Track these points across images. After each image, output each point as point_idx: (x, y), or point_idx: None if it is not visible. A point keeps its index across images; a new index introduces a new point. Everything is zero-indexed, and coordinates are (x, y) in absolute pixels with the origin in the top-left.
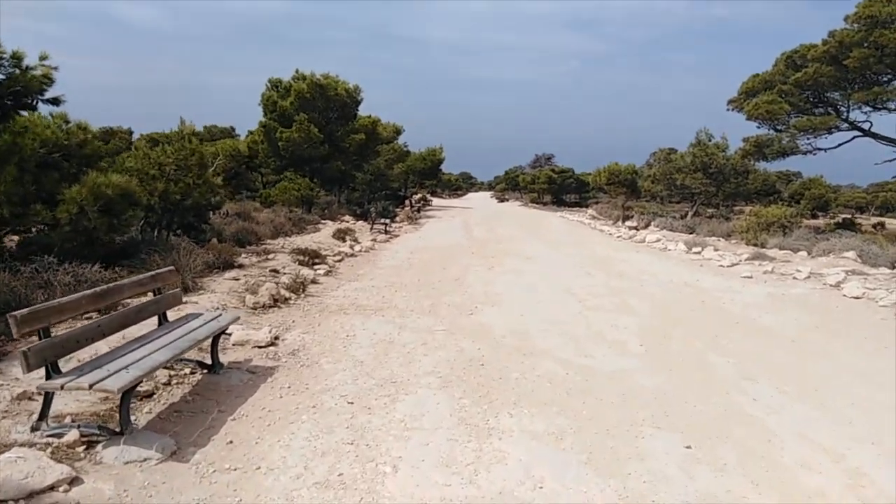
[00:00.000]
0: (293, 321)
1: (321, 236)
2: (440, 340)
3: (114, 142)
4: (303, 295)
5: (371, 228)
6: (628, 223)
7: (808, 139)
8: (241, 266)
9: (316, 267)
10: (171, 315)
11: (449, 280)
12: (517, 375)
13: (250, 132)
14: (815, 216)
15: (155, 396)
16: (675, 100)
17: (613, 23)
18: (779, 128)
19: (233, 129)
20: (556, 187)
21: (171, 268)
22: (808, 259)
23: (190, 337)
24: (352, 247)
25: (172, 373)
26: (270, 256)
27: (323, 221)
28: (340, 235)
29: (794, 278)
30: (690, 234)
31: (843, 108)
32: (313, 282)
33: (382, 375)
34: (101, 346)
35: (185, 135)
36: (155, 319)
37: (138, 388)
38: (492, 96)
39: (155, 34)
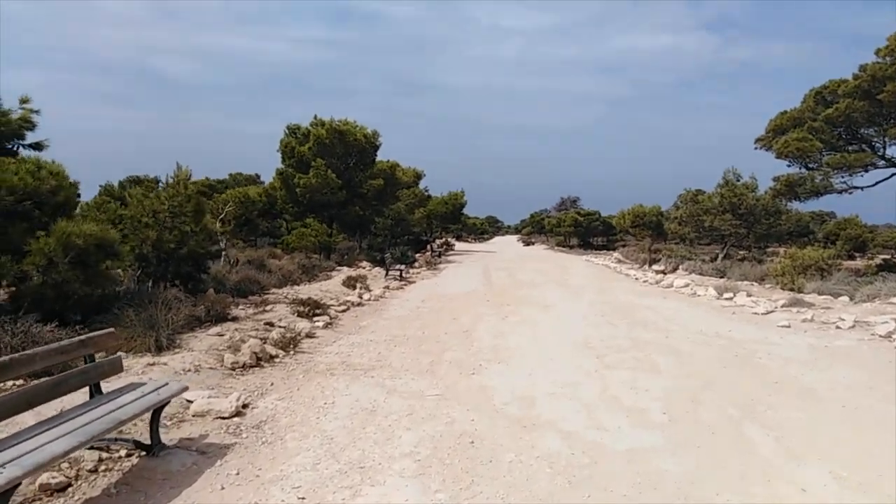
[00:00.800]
0: (272, 384)
1: (331, 284)
2: (430, 409)
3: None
4: (292, 352)
5: (386, 275)
6: (655, 267)
7: (842, 177)
8: (234, 318)
9: (316, 319)
10: (120, 383)
11: (456, 332)
12: (512, 457)
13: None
14: (851, 257)
15: (70, 490)
16: (701, 143)
17: (639, 67)
18: (811, 166)
19: (257, 175)
20: (582, 230)
21: (110, 330)
22: (850, 305)
23: (111, 417)
24: (360, 295)
25: (105, 455)
26: (269, 308)
27: (339, 268)
28: (351, 283)
29: (838, 327)
30: (721, 278)
31: (878, 145)
32: (309, 335)
33: (351, 458)
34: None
35: (180, 181)
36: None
37: (49, 481)
38: (518, 141)
39: (191, 86)
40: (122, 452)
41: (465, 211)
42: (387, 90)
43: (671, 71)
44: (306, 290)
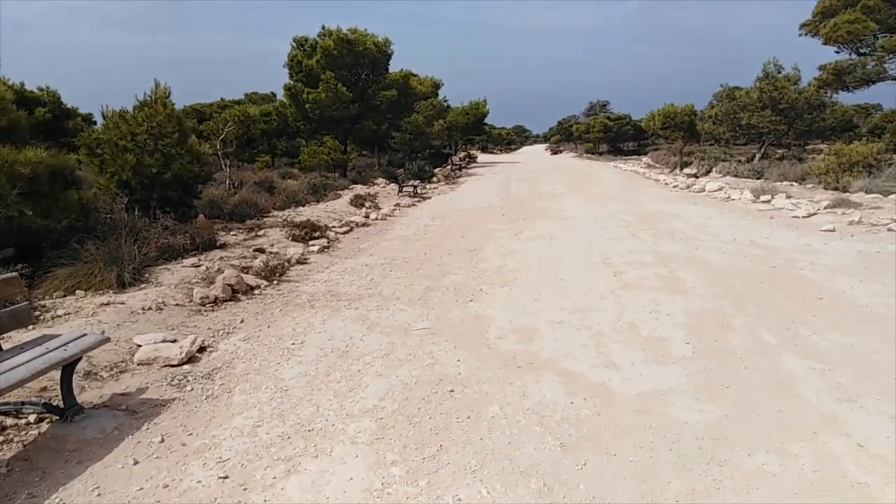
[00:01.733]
0: (241, 321)
1: (338, 204)
2: (411, 348)
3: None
4: (276, 281)
5: (399, 192)
6: (686, 171)
7: None
8: (223, 246)
9: (312, 242)
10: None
11: (462, 252)
12: (496, 411)
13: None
14: None
15: None
16: (743, 37)
17: None
18: (862, 51)
19: (273, 94)
20: (612, 135)
21: (13, 274)
22: None
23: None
24: (367, 215)
25: (11, 422)
26: (262, 233)
27: (352, 186)
28: (359, 202)
29: (890, 230)
30: (758, 179)
31: None
32: (300, 262)
33: (300, 417)
34: None
35: (157, 99)
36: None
37: None
38: (547, 46)
39: (210, 5)
40: (32, 418)
41: (489, 121)
42: None
43: None
44: (310, 212)
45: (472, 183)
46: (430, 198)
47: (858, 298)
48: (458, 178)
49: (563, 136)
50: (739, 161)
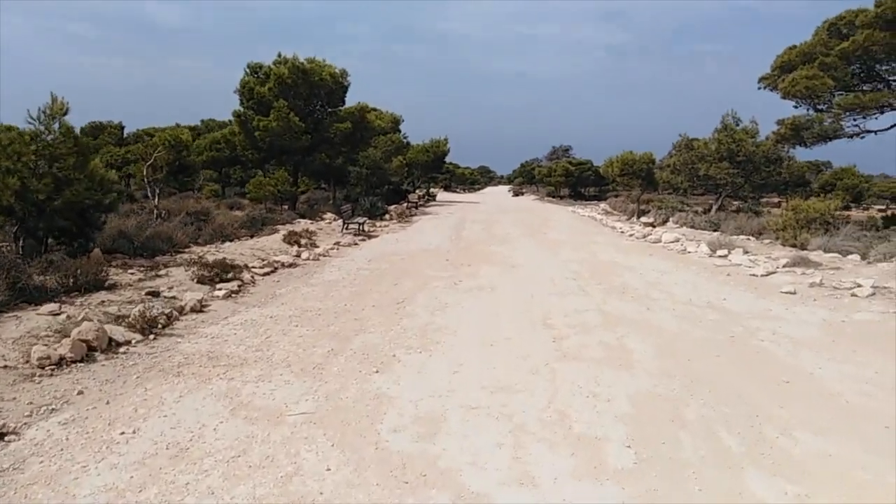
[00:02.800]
0: (80, 392)
1: (270, 240)
2: (275, 445)
3: (102, 137)
4: (153, 335)
5: (343, 229)
6: (644, 219)
7: (854, 120)
8: (112, 287)
9: (220, 285)
10: None
11: (388, 303)
12: None
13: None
14: (847, 208)
15: None
16: (703, 92)
17: (640, 11)
18: (820, 107)
19: (230, 121)
20: (573, 180)
21: None
22: (863, 265)
23: None
24: (299, 254)
25: None
26: (164, 272)
27: (297, 221)
28: (294, 239)
29: (854, 295)
30: (714, 231)
31: None
32: (197, 310)
33: None
34: None
35: (53, 114)
36: None
37: None
38: (515, 90)
39: (181, 33)
40: None
41: (454, 160)
42: (382, 36)
43: (672, 16)
44: (235, 248)
45: (426, 222)
46: (376, 236)
47: (829, 383)
48: (412, 216)
49: (526, 179)
50: (696, 212)
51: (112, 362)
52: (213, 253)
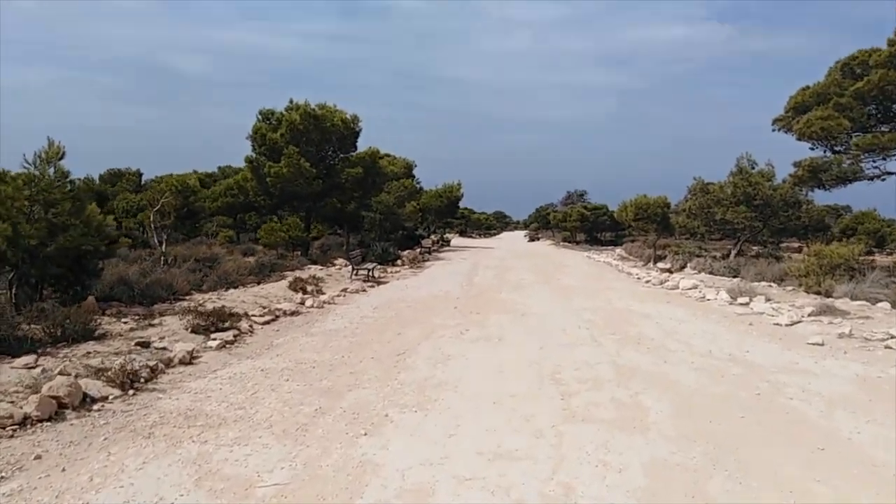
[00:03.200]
0: (38, 456)
1: (276, 287)
2: None
3: (120, 184)
4: (133, 391)
5: (352, 276)
6: (660, 265)
7: (873, 161)
8: (102, 336)
9: (216, 335)
10: None
11: (388, 355)
12: None
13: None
14: (870, 253)
15: None
16: (714, 135)
17: (650, 59)
18: (837, 149)
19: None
20: (588, 225)
21: None
22: (894, 314)
23: None
24: (303, 301)
25: None
26: (158, 321)
27: (307, 267)
28: (299, 286)
29: (889, 347)
30: (734, 277)
31: None
32: (187, 361)
33: None
34: None
35: (48, 159)
36: None
37: None
38: (528, 135)
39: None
40: None
41: (469, 205)
42: (396, 84)
43: (683, 62)
44: (237, 296)
45: (438, 268)
46: (386, 282)
47: (871, 451)
48: (424, 261)
49: (541, 224)
50: (714, 257)
51: (82, 421)
52: (214, 300)
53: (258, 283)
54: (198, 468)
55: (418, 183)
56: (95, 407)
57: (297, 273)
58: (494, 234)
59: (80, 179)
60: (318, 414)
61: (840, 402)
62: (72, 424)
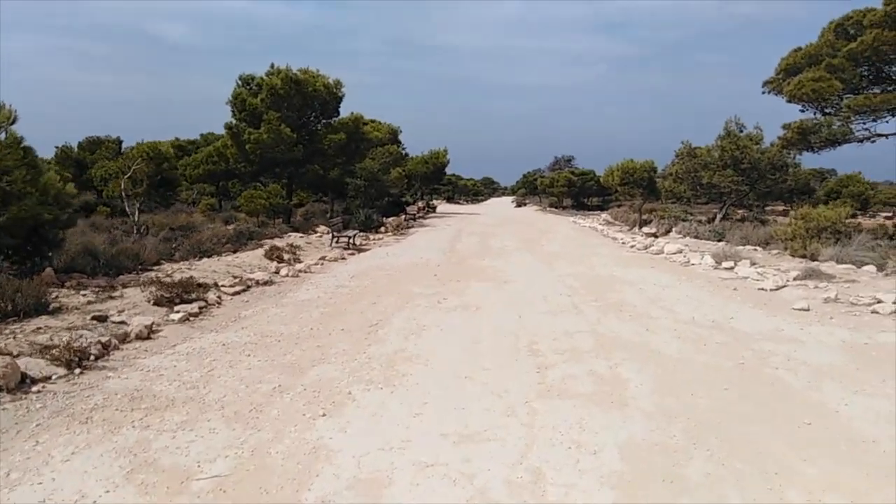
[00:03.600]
0: None
1: (252, 255)
2: None
3: (100, 151)
4: (80, 370)
5: (332, 243)
6: (646, 229)
7: (864, 123)
8: (56, 311)
9: (179, 307)
10: None
11: (360, 326)
12: None
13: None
14: (853, 216)
15: None
16: (706, 102)
17: (642, 25)
18: (827, 111)
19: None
20: (576, 190)
21: None
22: (881, 278)
23: None
24: (278, 270)
25: None
26: (118, 293)
27: (288, 234)
28: (276, 255)
29: (875, 312)
30: (719, 241)
31: None
32: (144, 336)
33: None
34: None
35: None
36: None
37: None
38: (518, 101)
39: (187, 50)
40: None
41: (457, 171)
42: (386, 51)
43: (673, 28)
44: (209, 265)
45: (422, 235)
46: (368, 250)
47: (860, 425)
48: (409, 228)
49: (529, 190)
50: (700, 221)
51: (16, 405)
52: (183, 270)
53: (234, 252)
54: (132, 458)
55: (404, 149)
56: (35, 389)
57: (276, 241)
58: (482, 201)
59: (57, 147)
60: (277, 393)
61: (827, 371)
62: (4, 409)
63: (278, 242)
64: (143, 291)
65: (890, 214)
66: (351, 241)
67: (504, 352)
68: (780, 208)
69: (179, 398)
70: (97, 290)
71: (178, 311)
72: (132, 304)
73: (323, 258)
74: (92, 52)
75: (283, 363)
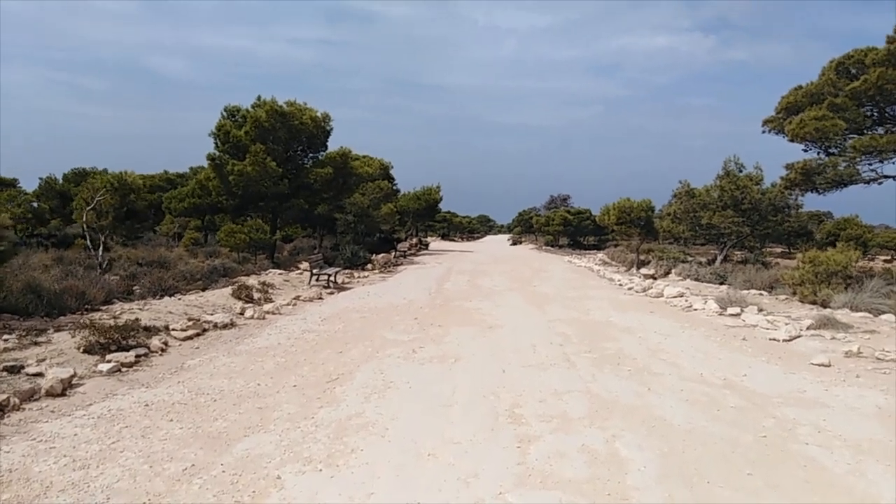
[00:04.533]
0: None
1: (218, 294)
2: None
3: (84, 184)
4: None
5: (311, 281)
6: (644, 270)
7: (870, 164)
8: None
9: (114, 355)
10: None
11: (315, 382)
12: None
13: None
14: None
15: None
16: (698, 143)
17: (635, 68)
18: (831, 151)
19: None
20: (571, 229)
21: None
22: None
23: None
24: (242, 311)
25: None
26: (43, 339)
27: (267, 271)
28: (244, 294)
29: None
30: (721, 284)
31: None
32: (57, 392)
33: None
34: None
35: None
36: None
37: None
38: (514, 140)
39: (186, 86)
40: None
41: (456, 210)
42: (385, 90)
43: (666, 72)
44: (166, 305)
45: (410, 272)
46: (350, 288)
47: None
48: (397, 265)
49: (524, 228)
50: (700, 263)
51: None
52: (134, 311)
53: (203, 290)
54: None
55: (395, 185)
56: None
57: (251, 279)
58: (478, 238)
59: (41, 178)
60: (186, 477)
61: (867, 448)
62: None
63: (252, 280)
64: (72, 336)
65: (888, 258)
66: (331, 278)
67: (480, 418)
68: (779, 250)
69: (57, 484)
70: (23, 333)
71: (109, 361)
72: (58, 352)
73: (297, 297)
74: (89, 86)
75: (208, 432)
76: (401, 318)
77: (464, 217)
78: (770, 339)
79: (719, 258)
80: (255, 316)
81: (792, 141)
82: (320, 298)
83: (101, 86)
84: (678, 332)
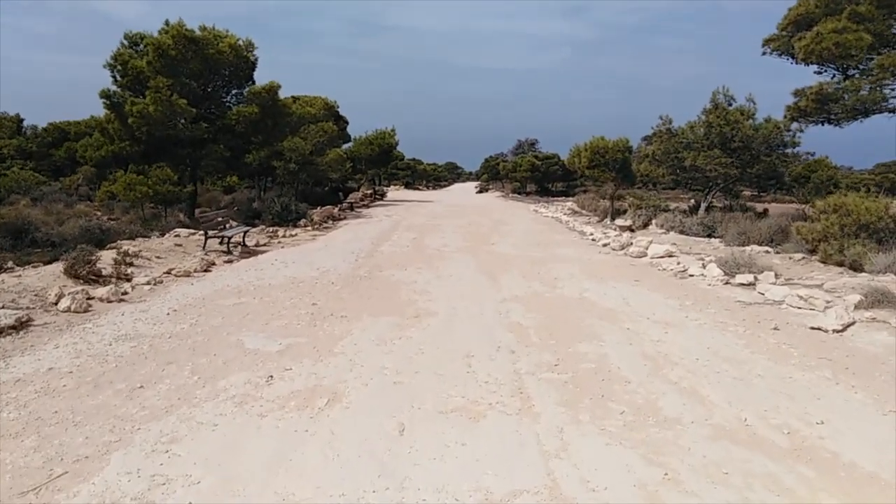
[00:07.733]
0: None
1: (47, 272)
2: None
3: None
4: None
5: (205, 245)
6: (619, 221)
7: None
8: None
9: None
10: None
11: (29, 475)
12: None
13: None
14: None
15: None
16: (670, 85)
17: (603, 8)
18: (851, 72)
19: None
20: (539, 175)
21: None
22: None
23: None
24: (57, 300)
25: None
26: None
27: (170, 233)
28: (83, 270)
29: None
30: (710, 237)
31: None
32: None
33: None
34: None
35: None
36: None
37: None
38: (481, 84)
39: (138, 29)
40: None
41: (421, 157)
42: (348, 32)
43: (635, 12)
44: None
45: (349, 229)
46: (264, 252)
47: None
48: (339, 220)
49: (491, 175)
50: (684, 212)
51: None
52: None
53: (47, 264)
54: None
55: (347, 128)
56: None
57: (131, 244)
58: (445, 186)
59: None
60: None
61: None
62: None
63: (128, 246)
64: None
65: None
66: (233, 240)
67: None
68: (748, 193)
69: None
70: None
71: None
72: None
73: (170, 271)
74: (38, 30)
75: None
76: (294, 302)
77: (429, 164)
78: (812, 329)
79: (703, 206)
80: (73, 308)
81: (804, 61)
82: (207, 271)
83: (52, 30)
84: (682, 319)
